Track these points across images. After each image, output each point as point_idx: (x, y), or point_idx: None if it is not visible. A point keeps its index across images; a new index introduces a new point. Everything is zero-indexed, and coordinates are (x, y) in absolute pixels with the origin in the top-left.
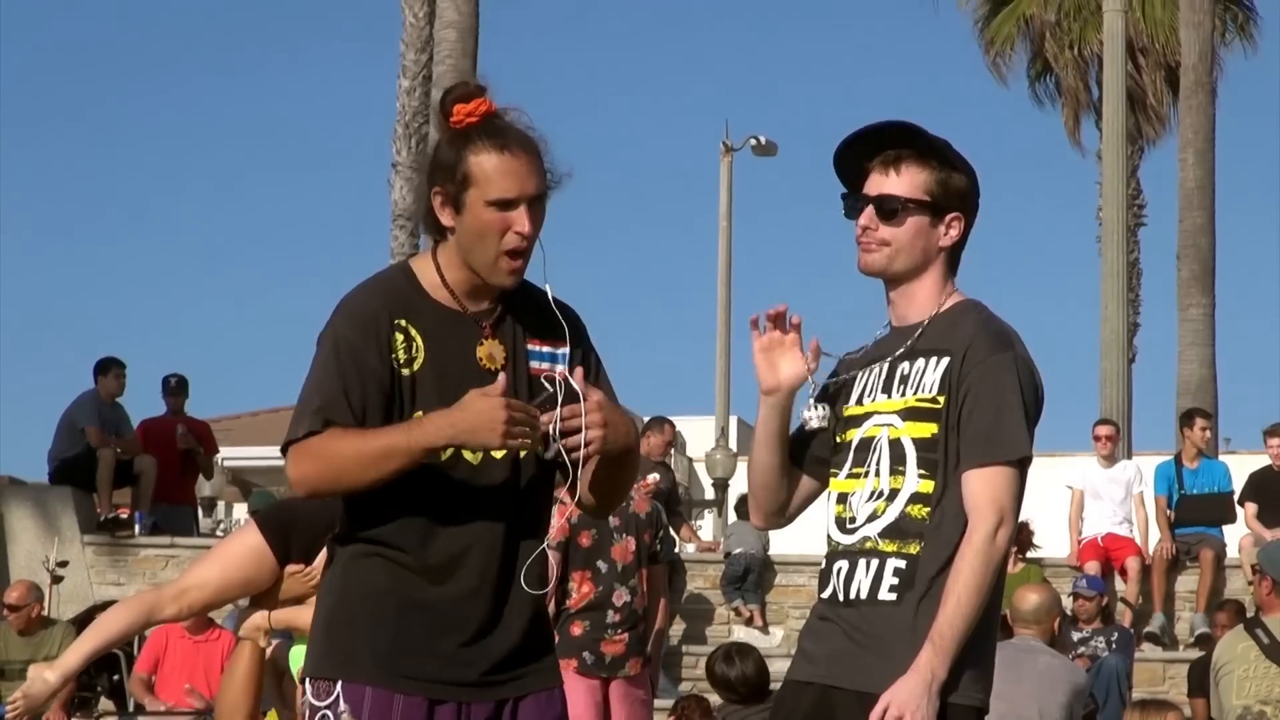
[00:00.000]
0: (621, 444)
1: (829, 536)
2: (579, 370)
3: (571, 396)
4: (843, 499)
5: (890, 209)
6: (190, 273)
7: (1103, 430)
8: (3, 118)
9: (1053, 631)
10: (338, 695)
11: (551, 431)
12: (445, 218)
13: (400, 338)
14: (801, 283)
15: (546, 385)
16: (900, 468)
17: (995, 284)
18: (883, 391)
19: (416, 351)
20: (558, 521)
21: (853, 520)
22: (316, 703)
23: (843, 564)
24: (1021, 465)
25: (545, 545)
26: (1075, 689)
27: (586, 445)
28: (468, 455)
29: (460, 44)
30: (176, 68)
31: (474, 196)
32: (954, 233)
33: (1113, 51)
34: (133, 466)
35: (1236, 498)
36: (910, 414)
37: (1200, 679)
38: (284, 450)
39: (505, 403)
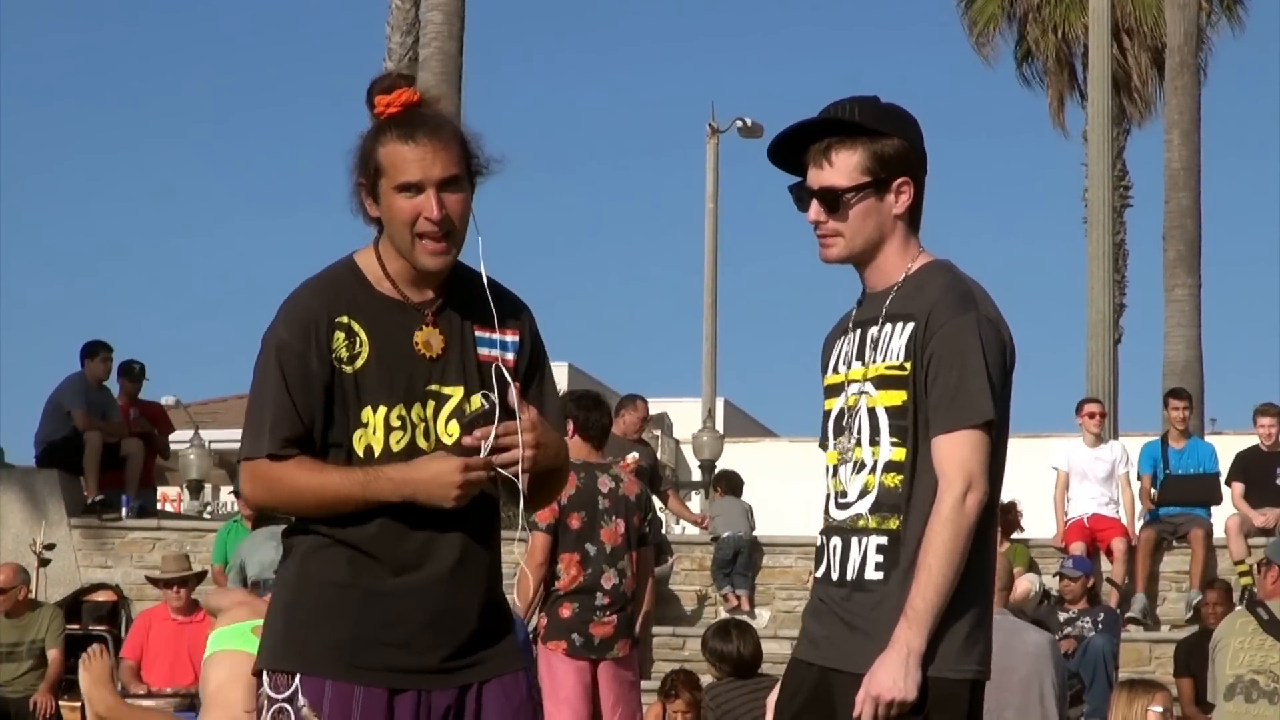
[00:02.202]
0: (549, 465)
1: (825, 510)
2: (517, 385)
3: (508, 411)
4: (834, 471)
5: (833, 201)
6: (178, 256)
7: (1091, 408)
8: None
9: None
10: (296, 688)
11: (483, 448)
12: (370, 208)
13: (341, 336)
14: (788, 264)
15: (485, 400)
16: (877, 438)
17: (981, 265)
18: (856, 359)
19: (360, 347)
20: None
21: (844, 495)
22: (274, 695)
23: (837, 541)
24: (988, 428)
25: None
26: (1057, 663)
27: (517, 465)
28: (421, 444)
29: (446, 26)
30: (160, 51)
31: (385, 185)
32: (905, 197)
33: (1098, 33)
34: (119, 450)
35: (1223, 478)
36: (881, 382)
37: (1187, 659)
38: (238, 461)
39: (463, 465)
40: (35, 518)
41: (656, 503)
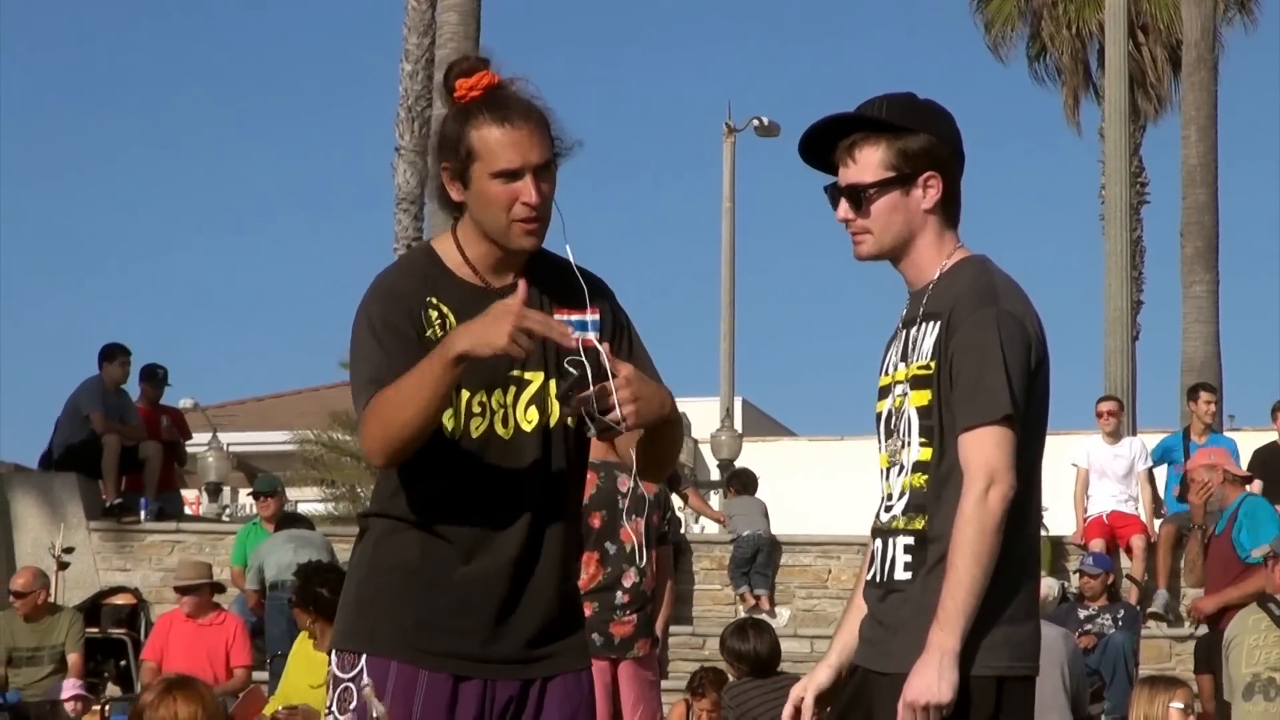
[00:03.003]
0: (655, 416)
1: (876, 514)
2: (606, 346)
3: (601, 373)
4: (885, 475)
5: (857, 198)
6: (195, 258)
7: (1105, 406)
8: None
9: None
10: (361, 668)
11: (584, 411)
12: (455, 193)
13: (434, 315)
14: (805, 263)
15: (573, 367)
16: (910, 439)
17: (997, 260)
18: (901, 360)
19: (449, 329)
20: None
21: (889, 497)
22: (340, 674)
23: (879, 544)
24: (1008, 422)
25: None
26: (1070, 655)
27: (622, 422)
28: (499, 430)
29: (462, 27)
30: (177, 52)
31: (479, 170)
32: (933, 192)
33: (1114, 29)
34: (138, 453)
35: None
36: (914, 382)
37: (1207, 655)
38: (358, 423)
39: (520, 309)
40: (54, 521)
41: (676, 501)
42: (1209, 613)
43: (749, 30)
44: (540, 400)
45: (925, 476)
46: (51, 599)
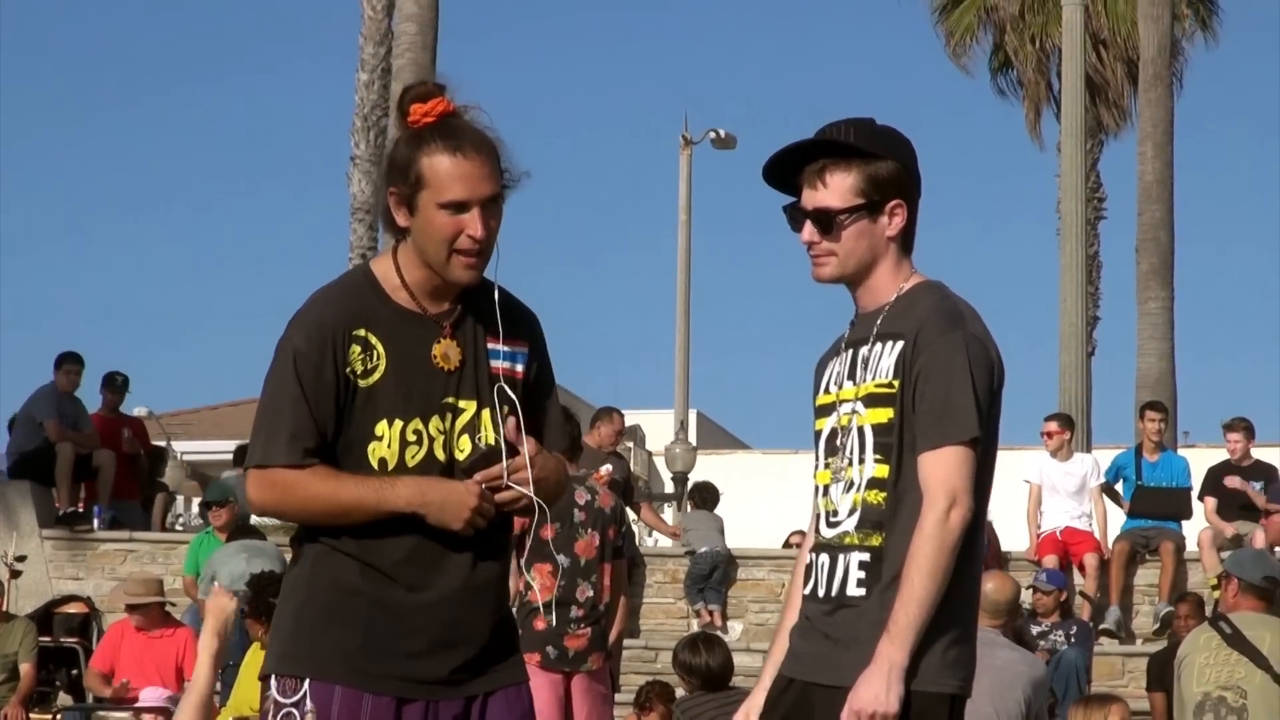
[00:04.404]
0: (554, 493)
1: (815, 529)
2: (511, 421)
3: (506, 448)
4: (825, 491)
5: (826, 222)
6: (148, 267)
7: (1049, 426)
8: None
9: (1012, 624)
10: (305, 693)
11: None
12: (400, 218)
13: (358, 349)
14: (761, 276)
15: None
16: (864, 455)
17: (954, 276)
18: (848, 379)
19: (377, 360)
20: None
21: (835, 514)
22: (281, 699)
23: (825, 559)
24: (974, 445)
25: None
26: (1034, 682)
27: (517, 502)
28: (439, 456)
29: (420, 37)
30: (132, 59)
31: (427, 198)
32: (898, 219)
33: (1071, 44)
34: (91, 460)
35: (1196, 493)
36: (870, 400)
37: (1160, 672)
38: (247, 468)
39: (479, 492)
40: (6, 529)
41: (630, 515)
42: None
43: (706, 41)
44: (471, 429)
45: (883, 494)
46: (4, 608)
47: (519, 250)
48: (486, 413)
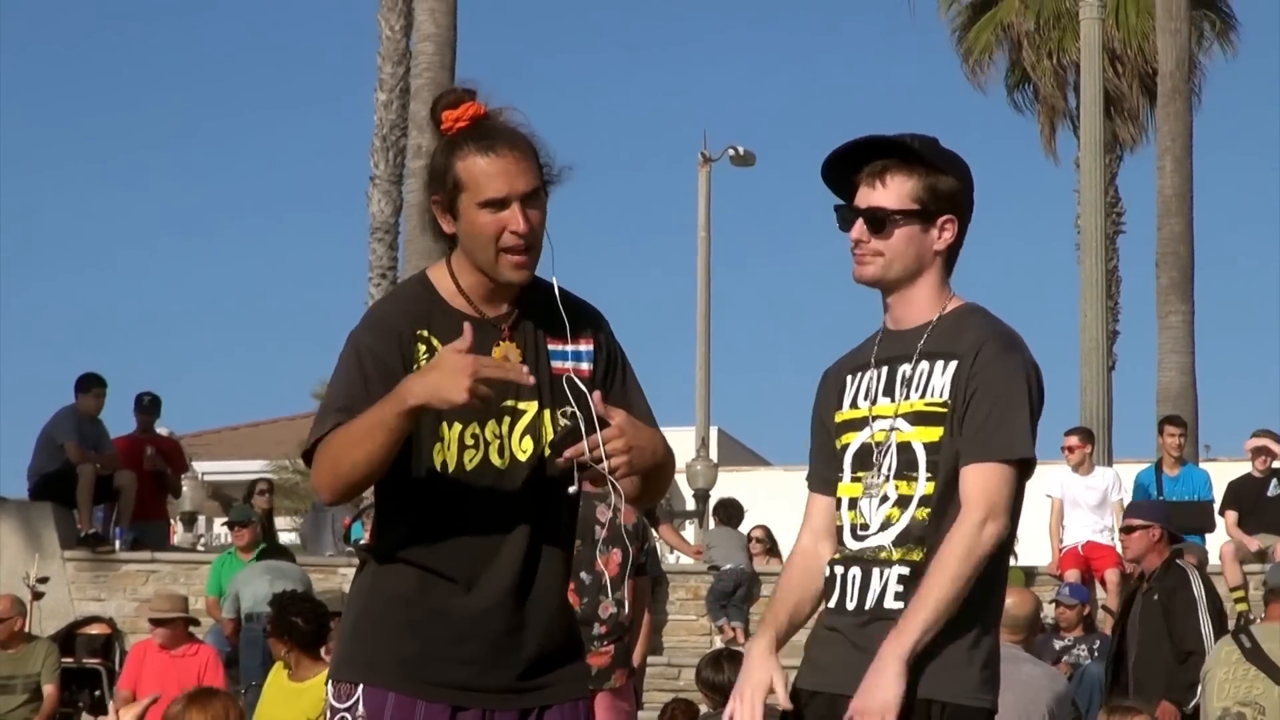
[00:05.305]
0: (647, 464)
1: (840, 542)
2: (598, 394)
3: (593, 421)
4: (853, 504)
5: (879, 222)
6: (170, 288)
7: (1070, 440)
8: None
9: (1031, 640)
10: (358, 699)
11: (575, 467)
12: (446, 225)
13: (423, 349)
14: (780, 292)
15: (568, 417)
16: (911, 473)
17: (975, 292)
18: (883, 395)
19: None
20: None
21: (865, 527)
22: (336, 704)
23: (856, 572)
24: (1022, 466)
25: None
26: (1058, 697)
27: (613, 473)
28: (495, 461)
29: (438, 56)
30: (151, 80)
31: (466, 201)
32: (948, 235)
33: (1089, 58)
34: (112, 482)
35: (1217, 507)
36: (918, 418)
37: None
38: (306, 458)
39: (473, 358)
40: (29, 550)
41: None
42: None
43: (725, 59)
44: (534, 430)
45: (928, 510)
46: (27, 628)
47: (538, 266)
48: (548, 413)
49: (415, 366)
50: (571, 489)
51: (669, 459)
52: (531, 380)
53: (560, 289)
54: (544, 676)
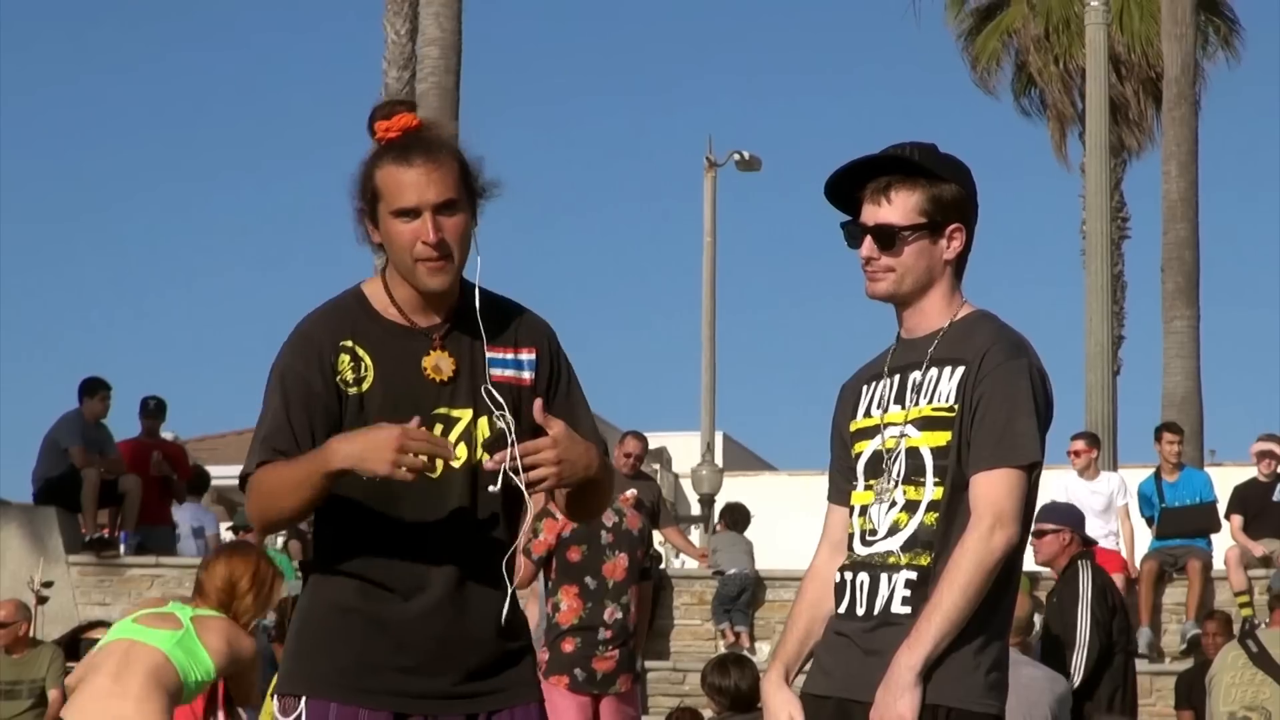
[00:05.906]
0: (579, 478)
1: (850, 548)
2: (539, 403)
3: (532, 429)
4: (863, 511)
5: (888, 238)
6: (175, 291)
7: (1076, 445)
8: None
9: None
10: (301, 712)
11: (503, 470)
12: (372, 234)
13: (347, 359)
14: (786, 298)
15: (503, 422)
16: (919, 478)
17: (980, 297)
18: (895, 403)
19: (365, 371)
20: (545, 537)
21: (873, 533)
22: (281, 718)
23: (864, 577)
24: (1030, 470)
25: (513, 549)
26: (1059, 699)
27: (534, 484)
28: (428, 470)
29: (443, 61)
30: (158, 81)
31: (383, 210)
32: (956, 244)
33: (1095, 64)
34: (117, 486)
35: (1223, 511)
36: (926, 423)
37: (1188, 691)
38: (241, 486)
39: (401, 431)
40: (34, 555)
41: (656, 537)
42: None
43: (731, 64)
44: (468, 437)
45: (936, 515)
46: (32, 633)
47: (543, 272)
48: (484, 420)
49: (338, 378)
50: (491, 487)
51: (605, 475)
52: (456, 457)
53: (503, 298)
54: (489, 680)
